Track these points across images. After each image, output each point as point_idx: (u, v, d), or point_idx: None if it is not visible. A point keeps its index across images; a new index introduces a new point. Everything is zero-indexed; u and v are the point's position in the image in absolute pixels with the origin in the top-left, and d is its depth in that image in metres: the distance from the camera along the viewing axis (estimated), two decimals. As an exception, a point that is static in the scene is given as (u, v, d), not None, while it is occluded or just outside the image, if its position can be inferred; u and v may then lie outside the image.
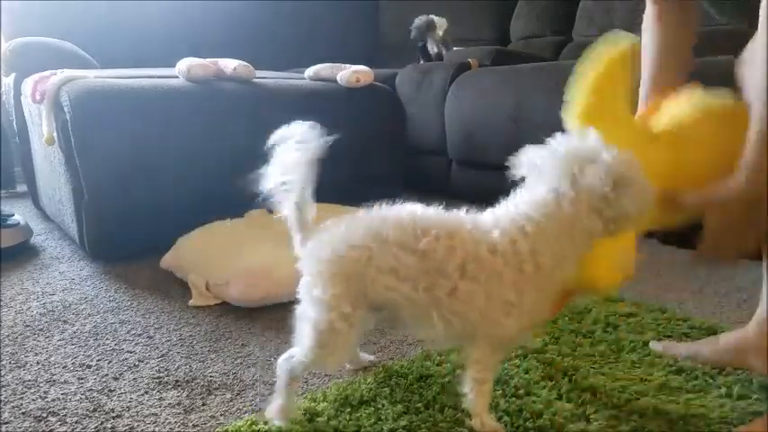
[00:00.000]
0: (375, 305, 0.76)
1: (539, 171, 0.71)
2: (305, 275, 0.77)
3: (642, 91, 0.88)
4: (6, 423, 0.83)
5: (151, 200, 1.57)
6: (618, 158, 0.67)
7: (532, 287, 0.70)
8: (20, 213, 1.77)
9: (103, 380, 0.95)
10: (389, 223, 0.74)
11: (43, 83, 1.59)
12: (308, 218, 0.79)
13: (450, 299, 0.71)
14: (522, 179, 0.73)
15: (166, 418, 0.84)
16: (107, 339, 1.10)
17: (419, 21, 2.76)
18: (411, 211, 0.76)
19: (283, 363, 0.80)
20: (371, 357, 1.00)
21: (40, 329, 1.14)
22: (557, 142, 0.71)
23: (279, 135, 0.79)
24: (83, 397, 0.89)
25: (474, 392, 0.77)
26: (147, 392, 0.91)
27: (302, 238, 0.79)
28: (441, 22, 2.73)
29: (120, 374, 0.96)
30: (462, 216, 0.76)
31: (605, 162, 0.67)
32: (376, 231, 0.74)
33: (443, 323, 0.73)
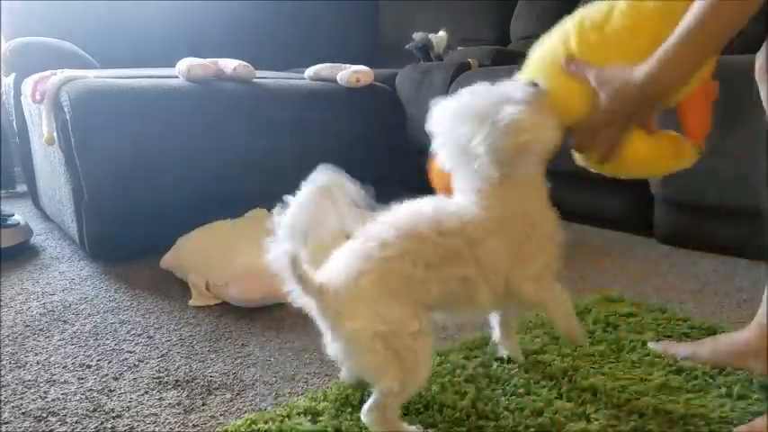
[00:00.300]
0: (431, 304, 0.75)
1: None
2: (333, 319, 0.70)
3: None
4: (6, 423, 0.83)
5: (151, 200, 1.58)
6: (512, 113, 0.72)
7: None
8: (20, 213, 1.77)
9: (103, 380, 0.95)
10: (413, 220, 0.74)
11: (43, 83, 1.60)
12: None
13: (487, 260, 0.75)
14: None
15: (166, 418, 0.84)
16: (107, 339, 1.10)
17: (416, 40, 2.73)
18: (416, 207, 0.77)
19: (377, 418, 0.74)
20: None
21: (40, 329, 1.14)
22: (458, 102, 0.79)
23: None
24: (83, 397, 0.90)
25: (553, 310, 0.82)
26: (147, 392, 0.91)
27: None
28: (438, 39, 2.68)
29: (120, 374, 0.96)
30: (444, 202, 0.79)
31: (499, 121, 0.72)
32: (406, 230, 0.73)
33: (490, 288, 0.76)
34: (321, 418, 0.81)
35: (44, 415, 0.85)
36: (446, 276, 0.73)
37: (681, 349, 0.98)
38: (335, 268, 0.72)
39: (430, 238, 0.73)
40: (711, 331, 1.07)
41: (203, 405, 0.87)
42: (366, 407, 0.74)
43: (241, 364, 1.00)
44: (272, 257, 0.67)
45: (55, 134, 1.54)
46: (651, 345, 1.01)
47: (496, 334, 0.97)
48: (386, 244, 0.71)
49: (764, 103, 0.86)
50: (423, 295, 0.73)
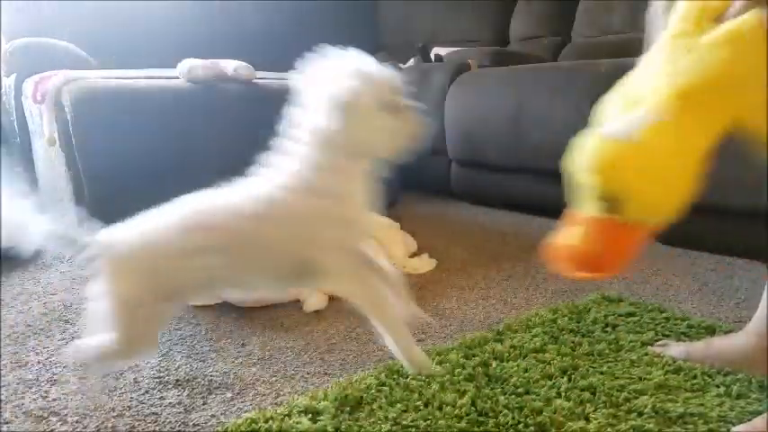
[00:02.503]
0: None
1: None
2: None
3: None
4: (7, 423, 0.83)
5: (151, 200, 1.57)
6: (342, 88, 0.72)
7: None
8: (20, 213, 1.77)
9: (104, 379, 0.95)
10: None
11: (44, 83, 1.60)
12: None
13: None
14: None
15: (167, 418, 0.84)
16: (108, 339, 1.10)
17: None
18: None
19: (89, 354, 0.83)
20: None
21: (42, 329, 1.15)
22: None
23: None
24: (83, 396, 0.90)
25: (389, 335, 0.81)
26: (147, 392, 0.91)
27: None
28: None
29: (120, 374, 0.97)
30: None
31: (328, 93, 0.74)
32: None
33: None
34: (321, 418, 0.81)
35: (45, 414, 0.85)
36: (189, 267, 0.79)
37: (674, 351, 0.98)
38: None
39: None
40: (710, 330, 1.08)
41: (204, 404, 0.88)
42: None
43: (241, 363, 1.01)
44: None
45: (56, 134, 1.55)
46: (650, 349, 1.01)
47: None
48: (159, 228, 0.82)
49: None
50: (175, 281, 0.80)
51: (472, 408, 0.83)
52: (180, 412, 0.85)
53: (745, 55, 0.56)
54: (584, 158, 0.61)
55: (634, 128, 0.58)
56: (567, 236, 0.66)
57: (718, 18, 0.59)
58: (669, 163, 0.59)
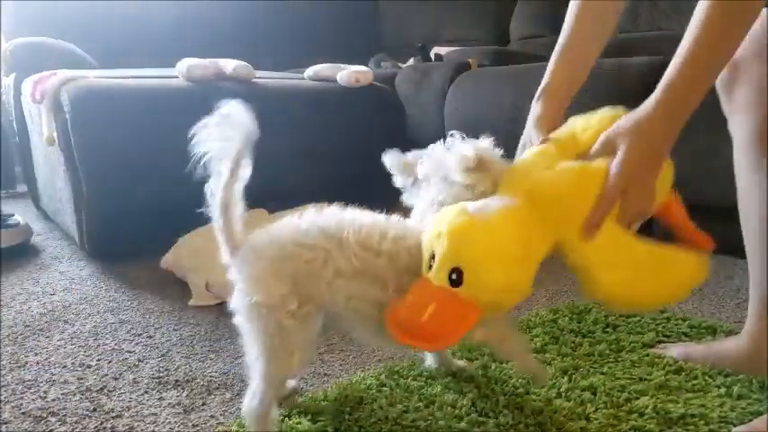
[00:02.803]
0: (327, 310, 0.73)
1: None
2: (239, 283, 0.72)
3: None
4: (6, 423, 0.83)
5: (151, 200, 1.58)
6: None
7: None
8: (20, 213, 1.77)
9: (103, 380, 0.95)
10: (347, 225, 0.71)
11: (43, 83, 1.60)
12: (237, 220, 0.75)
13: None
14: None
15: (166, 418, 0.84)
16: (107, 339, 1.10)
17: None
18: (359, 214, 0.74)
19: (250, 409, 0.73)
20: None
21: (40, 329, 1.14)
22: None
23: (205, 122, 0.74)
24: (83, 397, 0.90)
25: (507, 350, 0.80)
26: (146, 392, 0.91)
27: (232, 246, 0.75)
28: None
29: (119, 374, 0.96)
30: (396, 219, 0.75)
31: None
32: (332, 233, 0.71)
33: None
34: (321, 418, 0.81)
35: (44, 415, 0.85)
36: (356, 292, 0.70)
37: (674, 353, 0.98)
38: (268, 235, 0.74)
39: (350, 247, 0.70)
40: (711, 331, 1.08)
41: (203, 405, 0.87)
42: (247, 398, 0.73)
43: (241, 363, 1.00)
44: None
45: (55, 134, 1.54)
46: (652, 351, 1.01)
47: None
48: (306, 235, 0.71)
49: (725, 111, 0.88)
50: (323, 296, 0.71)
51: (472, 408, 0.83)
52: (179, 413, 0.85)
53: (581, 193, 0.66)
54: (441, 225, 0.65)
55: (490, 209, 0.65)
56: (405, 302, 0.67)
57: (580, 153, 0.70)
58: (513, 250, 0.64)
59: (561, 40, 0.88)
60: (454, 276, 0.63)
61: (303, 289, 0.70)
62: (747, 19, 0.67)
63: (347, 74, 1.92)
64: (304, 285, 0.70)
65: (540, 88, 0.86)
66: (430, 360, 0.94)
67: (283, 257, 0.71)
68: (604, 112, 0.74)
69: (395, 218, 0.75)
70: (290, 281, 0.70)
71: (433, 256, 0.65)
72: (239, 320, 0.72)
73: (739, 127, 0.86)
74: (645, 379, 0.91)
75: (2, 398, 0.89)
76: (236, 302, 0.72)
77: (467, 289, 0.63)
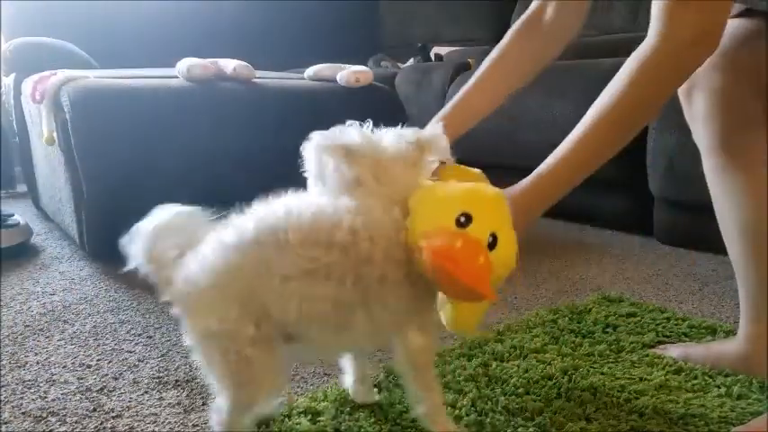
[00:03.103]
0: (282, 325, 0.66)
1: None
2: (184, 318, 0.66)
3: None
4: (6, 423, 0.83)
5: (151, 200, 1.57)
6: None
7: None
8: (20, 213, 1.77)
9: (103, 380, 0.95)
10: (284, 223, 0.64)
11: (43, 83, 1.60)
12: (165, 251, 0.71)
13: (380, 285, 0.64)
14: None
15: (166, 418, 0.84)
16: (107, 339, 1.10)
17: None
18: (303, 204, 0.68)
19: (217, 423, 0.69)
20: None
21: (40, 329, 1.14)
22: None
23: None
24: (83, 397, 0.90)
25: (428, 395, 0.72)
26: (146, 392, 0.91)
27: (165, 279, 0.68)
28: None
29: (119, 374, 0.96)
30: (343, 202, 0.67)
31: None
32: (266, 236, 0.64)
33: (370, 319, 0.65)
34: (321, 418, 0.81)
35: (44, 415, 0.85)
36: (307, 294, 0.63)
37: (673, 353, 0.98)
38: (197, 262, 0.67)
39: (291, 248, 0.62)
40: (711, 331, 1.08)
41: (203, 405, 0.87)
42: (214, 408, 0.69)
43: (241, 363, 1.00)
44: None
45: (55, 134, 1.54)
46: (651, 350, 1.01)
47: (348, 379, 0.84)
48: (241, 245, 0.64)
49: (686, 118, 0.92)
50: (275, 308, 0.64)
51: (472, 408, 0.83)
52: (179, 413, 0.85)
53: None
54: (476, 190, 0.68)
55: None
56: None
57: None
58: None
59: (477, 72, 0.95)
60: (491, 239, 0.63)
61: (253, 305, 0.64)
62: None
63: (347, 74, 1.92)
64: (253, 301, 0.64)
65: (439, 113, 0.93)
66: (350, 385, 0.85)
67: (225, 276, 0.64)
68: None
69: (345, 200, 0.67)
70: (237, 300, 0.64)
71: (465, 215, 0.62)
72: (197, 359, 0.67)
73: (700, 139, 0.90)
74: (645, 379, 0.91)
75: (2, 398, 0.89)
76: (189, 340, 0.67)
77: (495, 256, 0.63)
